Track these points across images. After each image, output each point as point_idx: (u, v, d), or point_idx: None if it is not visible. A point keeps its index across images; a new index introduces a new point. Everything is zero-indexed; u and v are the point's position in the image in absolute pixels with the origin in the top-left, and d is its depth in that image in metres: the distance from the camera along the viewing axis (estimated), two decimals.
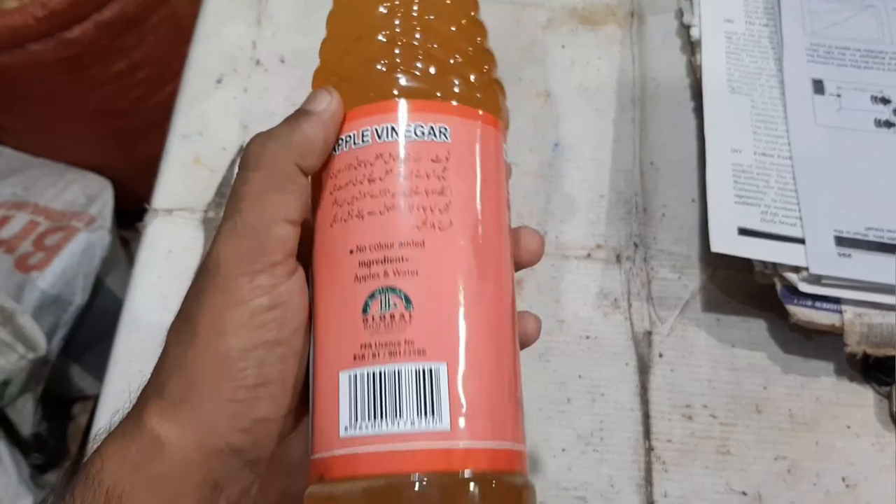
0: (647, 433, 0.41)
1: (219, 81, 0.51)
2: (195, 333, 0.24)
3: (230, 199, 0.25)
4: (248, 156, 0.25)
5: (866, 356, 0.41)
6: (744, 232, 0.41)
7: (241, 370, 0.24)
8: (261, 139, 0.26)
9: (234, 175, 0.26)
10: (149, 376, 0.26)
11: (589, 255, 0.46)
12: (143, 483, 0.23)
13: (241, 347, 0.24)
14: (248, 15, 0.54)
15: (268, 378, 0.24)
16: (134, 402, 0.26)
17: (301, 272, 0.26)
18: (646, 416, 0.41)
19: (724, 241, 0.41)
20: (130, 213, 0.87)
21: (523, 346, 0.29)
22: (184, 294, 0.40)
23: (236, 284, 0.24)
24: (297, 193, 0.25)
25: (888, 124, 0.44)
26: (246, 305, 0.24)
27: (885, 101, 0.45)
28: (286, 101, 0.51)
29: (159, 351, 0.26)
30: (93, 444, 0.25)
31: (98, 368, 0.96)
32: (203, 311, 0.24)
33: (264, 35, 0.53)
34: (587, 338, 0.43)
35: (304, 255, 0.26)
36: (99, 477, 0.23)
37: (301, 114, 0.26)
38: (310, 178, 0.27)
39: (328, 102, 0.26)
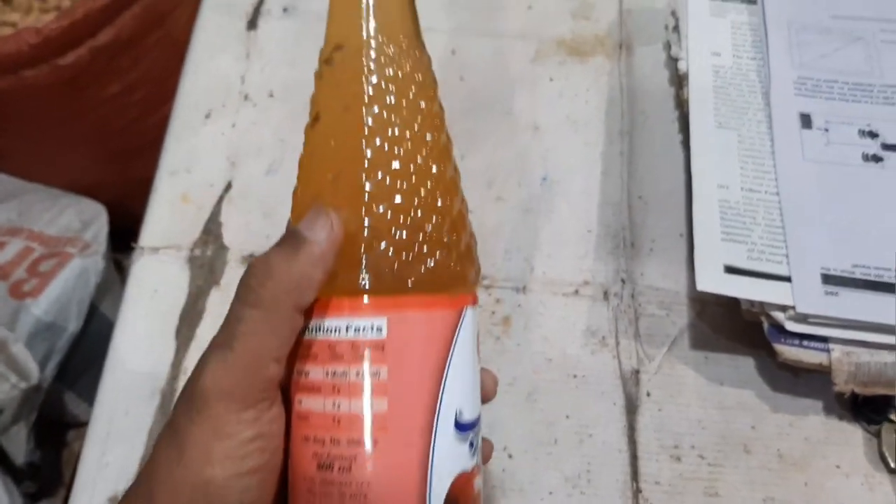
0: (634, 475, 0.41)
1: (207, 116, 0.51)
2: (182, 454, 0.25)
3: (224, 326, 0.26)
4: (248, 290, 0.25)
5: (855, 394, 0.41)
6: (730, 270, 0.41)
7: (224, 497, 0.25)
8: (261, 275, 0.25)
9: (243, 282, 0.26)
10: (137, 475, 0.27)
11: (577, 292, 0.45)
12: None
13: (225, 475, 0.25)
14: (236, 48, 0.54)
15: (250, 500, 0.25)
16: (121, 500, 0.27)
17: (280, 398, 0.27)
18: (634, 458, 0.41)
19: (711, 280, 0.41)
20: (126, 234, 0.87)
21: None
22: (168, 335, 0.43)
23: (224, 420, 0.25)
24: (291, 333, 0.26)
25: (876, 159, 0.44)
26: (232, 438, 0.25)
27: (873, 134, 0.45)
28: (274, 135, 0.51)
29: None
30: None
31: (92, 394, 0.96)
32: (190, 439, 0.25)
33: (253, 69, 0.53)
34: (575, 376, 0.43)
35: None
36: None
37: (299, 241, 0.25)
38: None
39: (329, 231, 0.26)
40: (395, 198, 0.26)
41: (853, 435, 0.42)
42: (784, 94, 0.46)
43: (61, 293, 0.87)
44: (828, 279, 0.41)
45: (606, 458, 0.41)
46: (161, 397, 0.43)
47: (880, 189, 0.43)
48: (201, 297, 0.46)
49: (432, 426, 0.26)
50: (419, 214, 0.27)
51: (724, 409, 0.42)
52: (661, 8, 0.52)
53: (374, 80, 0.28)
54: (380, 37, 0.28)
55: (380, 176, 0.27)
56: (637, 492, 0.40)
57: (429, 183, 0.27)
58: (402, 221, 0.26)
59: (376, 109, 0.27)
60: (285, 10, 0.55)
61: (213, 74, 0.53)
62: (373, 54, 0.28)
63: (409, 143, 0.27)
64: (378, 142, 0.27)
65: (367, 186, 0.26)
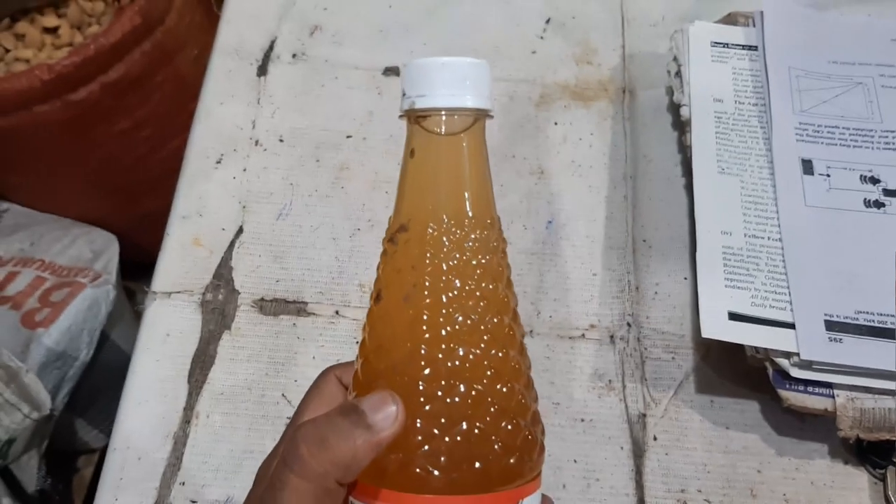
0: None
1: (218, 161, 0.52)
2: None
3: (269, 485, 0.26)
4: (296, 458, 0.25)
5: (860, 439, 0.41)
6: (734, 317, 0.42)
7: None
8: (313, 444, 0.25)
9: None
10: None
11: (583, 336, 0.46)
12: None
13: None
14: (247, 94, 0.55)
15: None
16: None
17: None
18: (641, 502, 0.41)
19: (715, 327, 0.41)
20: (136, 264, 0.88)
21: None
22: (181, 380, 0.44)
23: None
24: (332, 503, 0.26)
25: (878, 204, 0.45)
26: None
27: (875, 180, 0.46)
28: (284, 180, 0.52)
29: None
30: None
31: (102, 422, 0.97)
32: None
33: (263, 114, 0.54)
34: (582, 420, 0.44)
35: None
36: None
37: (360, 421, 0.25)
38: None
39: (392, 422, 0.25)
40: (450, 395, 0.25)
41: (859, 479, 0.42)
42: (785, 140, 0.47)
43: (73, 323, 0.88)
44: (831, 325, 0.41)
45: (614, 502, 0.41)
46: (174, 442, 0.44)
47: (882, 235, 0.44)
48: (213, 341, 0.46)
49: None
50: (475, 412, 0.25)
51: (729, 454, 0.43)
52: (663, 53, 0.53)
53: (435, 269, 0.26)
54: (446, 221, 0.26)
55: (436, 373, 0.25)
56: None
57: (488, 373, 0.26)
58: (456, 419, 0.25)
59: (436, 301, 0.26)
60: (294, 55, 0.56)
61: (224, 120, 0.54)
62: (437, 240, 0.26)
63: (469, 334, 0.26)
64: (436, 336, 0.26)
65: (422, 384, 0.25)
